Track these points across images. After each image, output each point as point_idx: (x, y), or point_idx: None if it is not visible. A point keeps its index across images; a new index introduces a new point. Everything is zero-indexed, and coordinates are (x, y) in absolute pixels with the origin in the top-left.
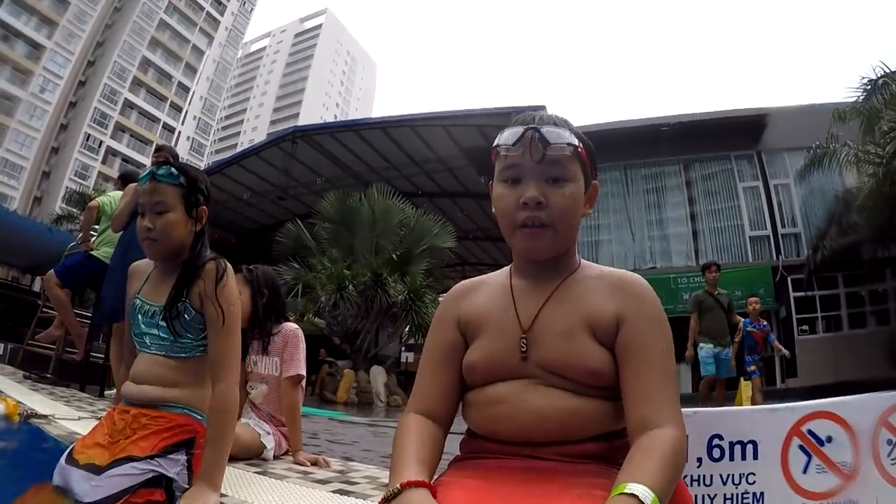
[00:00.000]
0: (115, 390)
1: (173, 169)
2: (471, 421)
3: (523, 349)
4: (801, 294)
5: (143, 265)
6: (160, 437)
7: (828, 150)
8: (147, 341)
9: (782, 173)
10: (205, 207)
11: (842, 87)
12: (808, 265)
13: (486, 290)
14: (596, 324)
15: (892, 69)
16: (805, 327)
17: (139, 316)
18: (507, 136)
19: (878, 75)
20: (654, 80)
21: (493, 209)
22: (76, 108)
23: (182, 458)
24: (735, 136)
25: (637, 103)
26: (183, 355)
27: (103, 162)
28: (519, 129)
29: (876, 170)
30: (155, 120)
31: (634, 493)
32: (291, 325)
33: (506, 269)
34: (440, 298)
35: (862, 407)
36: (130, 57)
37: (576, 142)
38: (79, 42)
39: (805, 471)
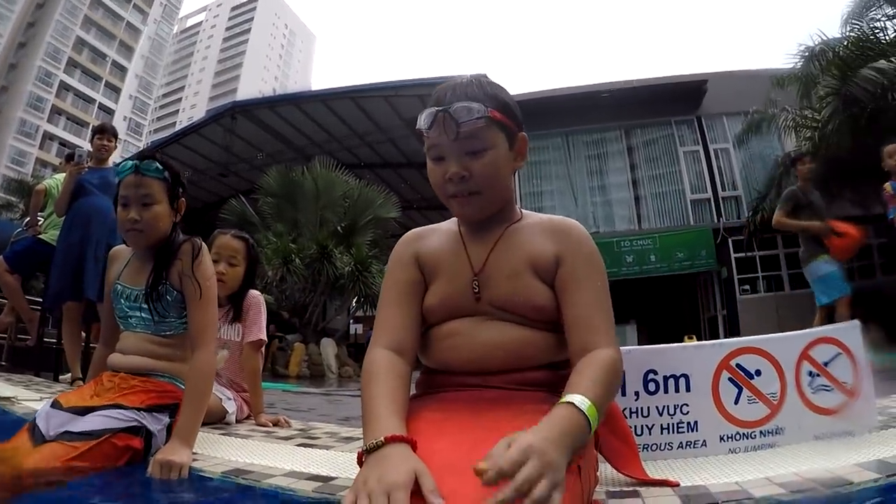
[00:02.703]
0: (69, 374)
1: (158, 164)
2: (428, 356)
3: (476, 290)
4: (742, 255)
5: (123, 251)
6: (148, 395)
7: (766, 114)
8: (132, 322)
9: (722, 138)
10: (183, 200)
11: (780, 54)
12: (748, 227)
13: (438, 236)
14: (538, 264)
15: (829, 37)
16: (747, 287)
17: (122, 300)
18: (423, 120)
19: (816, 43)
20: (593, 47)
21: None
22: (8, 93)
23: (165, 419)
24: (675, 101)
25: (577, 70)
26: (169, 333)
27: (40, 147)
28: (432, 111)
29: (813, 134)
30: (90, 101)
31: (572, 401)
32: (254, 292)
33: (453, 219)
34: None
35: (786, 343)
36: (64, 37)
37: (486, 111)
38: (7, 23)
39: (737, 402)
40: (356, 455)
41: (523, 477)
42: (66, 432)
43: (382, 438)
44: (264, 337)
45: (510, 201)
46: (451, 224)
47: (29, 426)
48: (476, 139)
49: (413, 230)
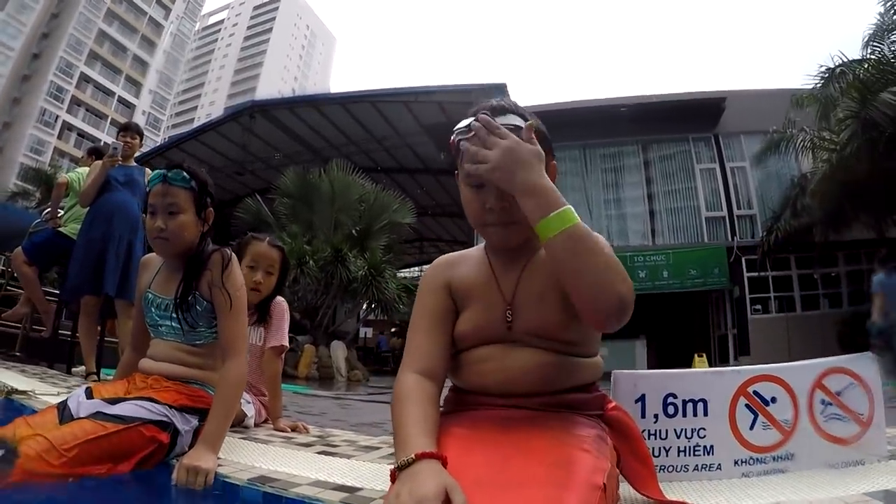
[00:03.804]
0: (82, 367)
1: (185, 173)
2: (459, 378)
3: (508, 319)
4: (755, 275)
5: (154, 259)
6: (181, 396)
7: (784, 134)
8: (163, 331)
9: (739, 156)
10: (211, 209)
11: (800, 74)
12: (761, 247)
13: (469, 264)
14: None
15: (850, 58)
16: (758, 307)
17: (152, 308)
18: (463, 127)
19: (836, 64)
20: (614, 61)
21: (463, 205)
22: (30, 82)
23: (194, 422)
24: (693, 118)
25: (597, 83)
26: (199, 342)
27: (59, 137)
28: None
29: (830, 156)
30: (110, 94)
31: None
32: (279, 298)
33: (481, 246)
34: (399, 274)
35: (801, 371)
36: (86, 29)
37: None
38: (32, 13)
39: (752, 427)
40: (389, 472)
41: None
42: (99, 413)
43: (413, 455)
44: (287, 343)
45: None
46: (479, 251)
47: (58, 405)
48: None
49: (443, 257)
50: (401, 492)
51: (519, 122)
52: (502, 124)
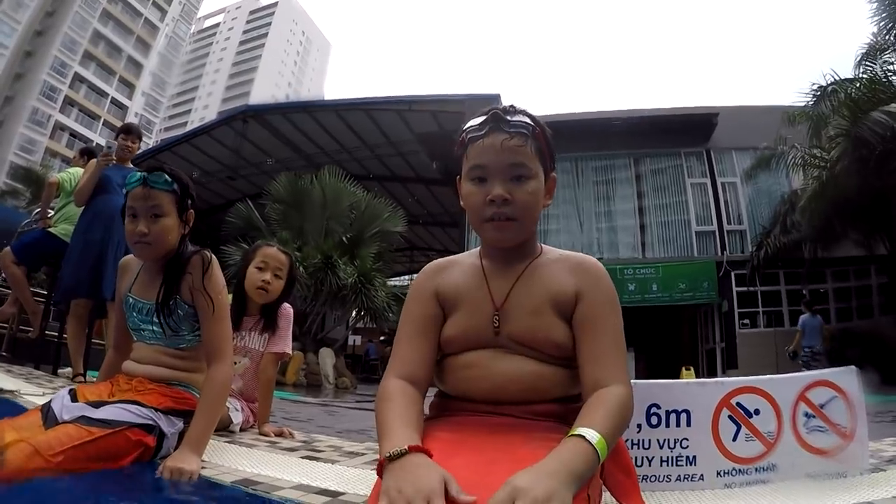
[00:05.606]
0: (69, 368)
1: (167, 175)
2: (444, 383)
3: (496, 324)
4: (744, 289)
5: (133, 262)
6: (165, 398)
7: (775, 151)
8: (145, 335)
9: (730, 171)
10: (192, 211)
11: (792, 91)
12: (751, 262)
13: (460, 269)
14: (560, 301)
15: (842, 77)
16: (746, 321)
17: (133, 313)
18: (474, 122)
19: (828, 82)
20: (608, 75)
21: (462, 204)
22: (22, 81)
23: (179, 424)
24: (685, 133)
25: (590, 97)
26: (182, 346)
27: (51, 137)
28: (484, 118)
29: (820, 173)
30: (104, 95)
31: (583, 434)
32: (286, 305)
33: (475, 251)
34: (389, 282)
35: (785, 384)
36: (81, 29)
37: (534, 129)
38: (26, 11)
39: (735, 438)
40: (377, 463)
41: None
42: (84, 417)
43: (406, 447)
44: (289, 350)
45: (534, 235)
46: (472, 257)
47: (42, 408)
48: (522, 167)
49: (435, 261)
50: (402, 485)
51: (529, 122)
52: (512, 123)
